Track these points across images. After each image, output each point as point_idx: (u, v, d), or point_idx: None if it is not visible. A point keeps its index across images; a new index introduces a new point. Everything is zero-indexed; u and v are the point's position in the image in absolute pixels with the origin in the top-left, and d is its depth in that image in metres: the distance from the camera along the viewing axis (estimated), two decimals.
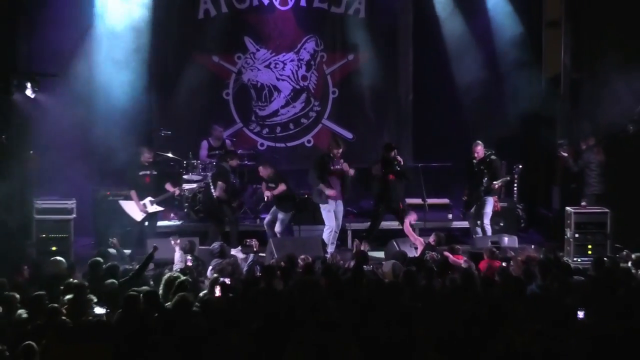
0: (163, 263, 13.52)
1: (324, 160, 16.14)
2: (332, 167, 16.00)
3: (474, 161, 16.58)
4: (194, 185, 17.20)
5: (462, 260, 13.41)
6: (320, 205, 16.19)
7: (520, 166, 17.55)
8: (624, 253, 13.57)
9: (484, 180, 16.52)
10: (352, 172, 15.98)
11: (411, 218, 15.67)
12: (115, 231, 16.69)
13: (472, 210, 16.76)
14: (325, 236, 16.09)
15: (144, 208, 16.03)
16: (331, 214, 16.07)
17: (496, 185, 16.65)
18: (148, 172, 16.22)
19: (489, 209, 16.63)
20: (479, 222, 16.64)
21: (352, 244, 16.49)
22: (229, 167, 16.65)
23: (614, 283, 11.47)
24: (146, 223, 16.19)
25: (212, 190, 16.59)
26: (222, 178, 16.51)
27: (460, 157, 17.23)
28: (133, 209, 16.12)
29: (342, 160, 15.95)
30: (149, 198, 16.08)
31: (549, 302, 10.39)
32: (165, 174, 16.85)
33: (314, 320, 9.12)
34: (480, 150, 16.58)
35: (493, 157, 16.64)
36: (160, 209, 16.50)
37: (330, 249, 15.91)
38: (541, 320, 9.43)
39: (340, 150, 15.99)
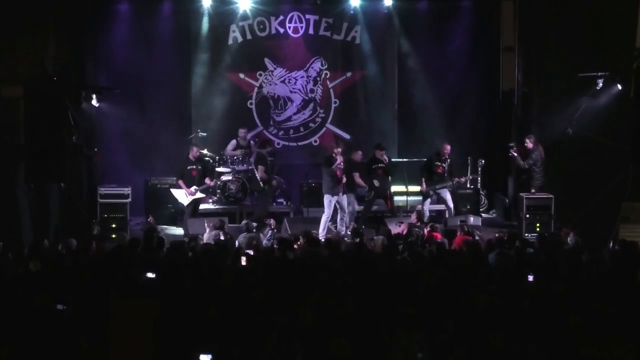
0: (196, 237, 13.60)
1: (329, 158, 15.94)
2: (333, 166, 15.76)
3: (443, 157, 16.63)
4: (230, 177, 17.25)
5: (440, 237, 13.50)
6: (324, 194, 15.90)
7: (483, 161, 17.58)
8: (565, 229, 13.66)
9: (445, 175, 16.60)
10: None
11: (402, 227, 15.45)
12: (160, 212, 16.96)
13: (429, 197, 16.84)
14: (322, 221, 15.71)
15: (194, 192, 16.13)
16: (331, 204, 15.73)
17: (462, 180, 16.82)
18: (194, 167, 16.33)
19: (448, 197, 16.69)
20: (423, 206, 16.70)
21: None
22: (265, 152, 16.70)
23: (554, 254, 11.59)
24: (191, 207, 16.27)
25: (256, 174, 16.62)
26: (261, 162, 16.56)
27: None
28: (181, 195, 16.22)
29: (340, 157, 15.77)
30: (194, 187, 16.17)
31: (505, 268, 10.46)
32: (207, 169, 16.90)
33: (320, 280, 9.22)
34: (448, 149, 16.68)
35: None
36: (203, 195, 16.64)
37: (341, 229, 15.64)
38: (499, 282, 9.49)
39: (340, 149, 15.91)
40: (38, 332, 7.95)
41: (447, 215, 16.53)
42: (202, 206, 16.94)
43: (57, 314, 8.41)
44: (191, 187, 16.18)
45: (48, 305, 8.49)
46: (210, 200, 17.60)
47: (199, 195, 16.36)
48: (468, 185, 17.56)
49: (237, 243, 13.29)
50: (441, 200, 16.78)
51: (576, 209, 15.36)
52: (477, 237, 13.31)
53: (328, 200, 15.74)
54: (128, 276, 9.73)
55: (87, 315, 8.34)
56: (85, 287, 9.15)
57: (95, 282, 9.39)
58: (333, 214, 15.88)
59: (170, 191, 16.54)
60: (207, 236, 13.86)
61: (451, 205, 16.61)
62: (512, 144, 16.93)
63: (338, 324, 7.78)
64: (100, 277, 9.74)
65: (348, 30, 18.94)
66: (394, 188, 17.09)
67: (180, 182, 16.25)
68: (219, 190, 17.43)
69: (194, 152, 16.40)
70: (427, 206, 16.76)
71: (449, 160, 16.66)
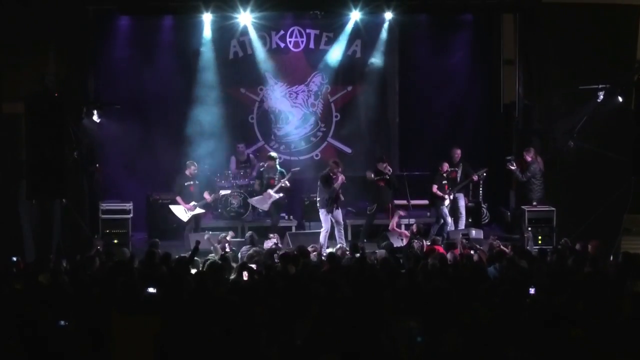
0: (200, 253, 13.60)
1: (328, 178, 16.01)
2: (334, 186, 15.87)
3: (455, 162, 16.78)
4: (229, 191, 17.27)
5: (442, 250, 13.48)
6: (320, 209, 15.98)
7: (485, 173, 17.57)
8: (564, 240, 13.69)
9: (459, 179, 16.68)
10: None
11: (397, 217, 15.73)
12: (161, 228, 16.95)
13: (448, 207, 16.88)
14: (321, 236, 15.80)
15: (193, 208, 16.16)
16: (327, 218, 15.83)
17: (476, 177, 16.90)
18: (192, 183, 16.37)
19: (462, 203, 16.73)
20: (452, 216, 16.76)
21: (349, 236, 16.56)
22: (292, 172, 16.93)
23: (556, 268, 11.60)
24: (191, 222, 16.30)
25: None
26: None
27: (437, 166, 17.24)
28: (180, 211, 16.25)
29: (341, 176, 15.85)
30: (193, 202, 16.21)
31: (506, 281, 10.46)
32: (205, 184, 16.93)
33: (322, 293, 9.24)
34: (458, 153, 16.74)
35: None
36: (203, 211, 16.65)
37: (340, 242, 15.63)
38: (501, 295, 9.48)
39: (340, 169, 15.94)
40: (40, 349, 7.97)
41: (449, 228, 16.51)
42: (205, 221, 16.96)
43: (59, 330, 8.42)
44: (190, 202, 16.21)
45: (50, 321, 8.51)
46: (210, 215, 17.62)
47: (198, 211, 16.38)
48: (481, 182, 17.56)
49: (239, 256, 13.31)
50: (455, 208, 16.76)
51: (578, 221, 15.36)
52: (474, 252, 13.27)
53: (324, 215, 15.83)
54: (129, 292, 9.74)
55: (88, 332, 8.35)
56: (87, 304, 9.16)
57: (96, 298, 9.40)
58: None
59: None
60: (217, 246, 13.89)
61: (463, 212, 16.67)
62: (509, 157, 16.98)
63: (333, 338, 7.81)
64: (102, 293, 9.75)
65: (349, 45, 18.97)
66: (397, 202, 17.06)
67: (179, 199, 16.29)
68: (220, 205, 17.44)
69: (190, 169, 16.47)
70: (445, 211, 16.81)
71: (461, 164, 16.73)
